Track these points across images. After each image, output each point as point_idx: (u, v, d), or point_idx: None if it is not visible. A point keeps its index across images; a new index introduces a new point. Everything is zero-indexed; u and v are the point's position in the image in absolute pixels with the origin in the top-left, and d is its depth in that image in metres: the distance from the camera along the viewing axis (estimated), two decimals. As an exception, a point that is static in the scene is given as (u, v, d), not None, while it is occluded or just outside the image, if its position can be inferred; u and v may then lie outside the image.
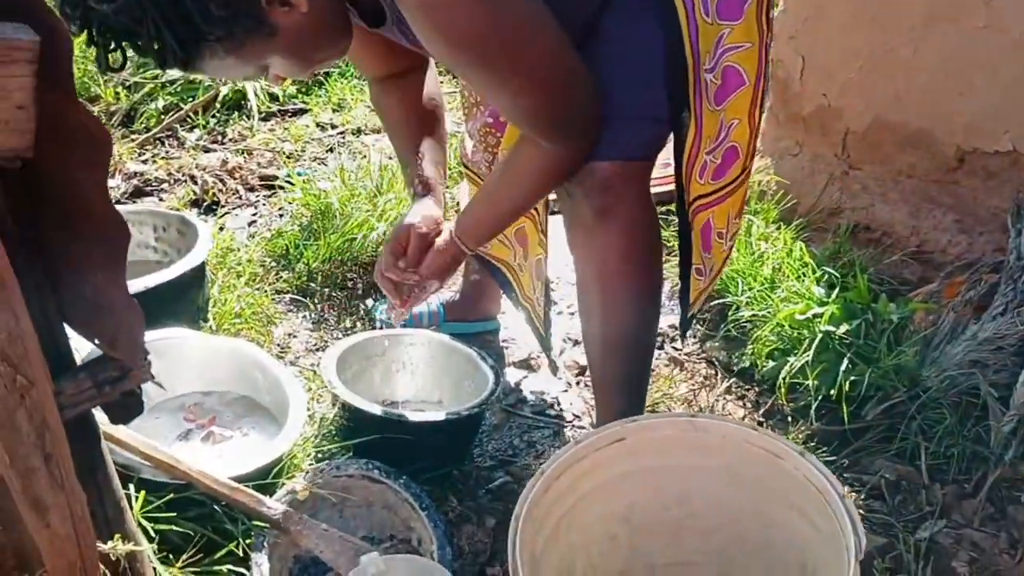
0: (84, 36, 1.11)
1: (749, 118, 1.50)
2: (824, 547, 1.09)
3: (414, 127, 1.63)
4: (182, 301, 1.86)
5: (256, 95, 3.23)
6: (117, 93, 3.21)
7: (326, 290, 2.19)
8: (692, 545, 1.27)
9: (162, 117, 3.12)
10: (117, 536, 1.11)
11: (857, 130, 2.34)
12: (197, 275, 1.89)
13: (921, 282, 2.15)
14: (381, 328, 2.06)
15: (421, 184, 1.58)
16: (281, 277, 2.20)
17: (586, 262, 1.51)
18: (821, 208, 2.40)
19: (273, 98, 3.30)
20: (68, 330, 1.00)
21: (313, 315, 2.15)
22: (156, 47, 1.12)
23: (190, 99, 3.21)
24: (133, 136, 3.07)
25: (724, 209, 1.60)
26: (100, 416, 1.07)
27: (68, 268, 0.94)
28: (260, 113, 3.19)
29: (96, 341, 0.98)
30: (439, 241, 1.52)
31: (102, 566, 1.07)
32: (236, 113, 3.20)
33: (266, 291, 2.12)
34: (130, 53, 1.15)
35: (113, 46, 1.11)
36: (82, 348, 1.05)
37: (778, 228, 2.32)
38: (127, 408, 1.04)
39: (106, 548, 1.07)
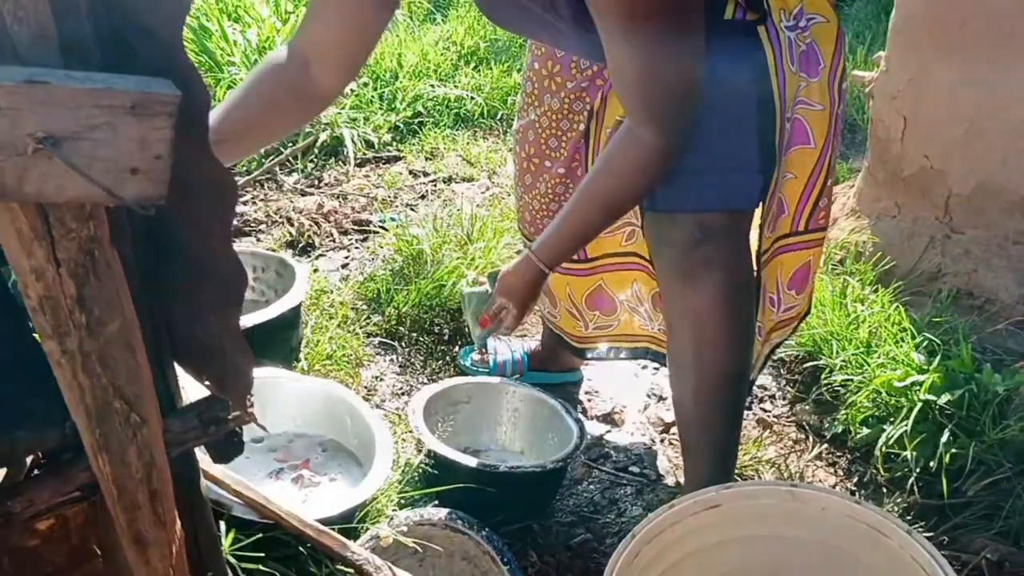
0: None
1: (808, 180, 1.52)
2: (931, 634, 1.04)
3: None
4: (278, 341, 1.91)
5: (353, 141, 3.33)
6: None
7: (414, 335, 2.22)
8: (785, 621, 1.23)
9: (263, 161, 3.24)
10: (209, 574, 1.13)
11: (961, 193, 2.28)
12: (293, 316, 1.93)
13: (1028, 353, 2.06)
14: (466, 375, 2.07)
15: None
16: (371, 320, 2.23)
17: (683, 310, 1.50)
18: (920, 272, 2.33)
19: (369, 145, 3.39)
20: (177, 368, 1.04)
21: (400, 359, 2.17)
22: None
23: (290, 144, 3.32)
24: (236, 178, 3.18)
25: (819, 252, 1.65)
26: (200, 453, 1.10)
27: (184, 309, 0.98)
28: (356, 159, 3.28)
29: (205, 382, 1.01)
30: (520, 263, 1.52)
31: (194, 603, 1.09)
32: (333, 159, 3.29)
33: (357, 333, 2.16)
34: None
35: None
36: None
37: (875, 290, 2.26)
38: (229, 447, 1.06)
39: (201, 585, 1.09)
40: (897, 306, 2.15)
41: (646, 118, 1.30)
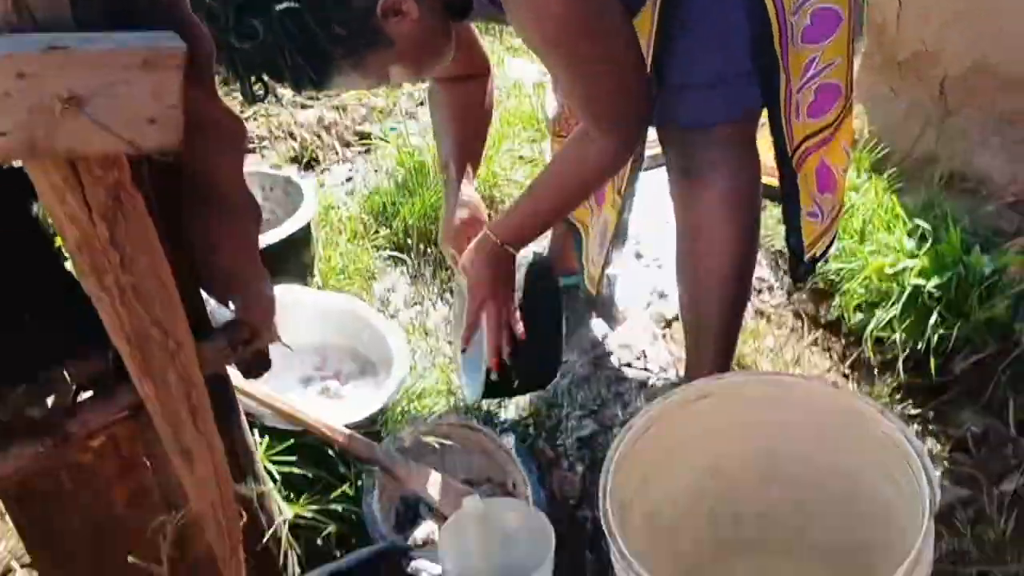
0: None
1: (848, 55, 1.53)
2: (902, 499, 1.14)
3: (460, 131, 1.69)
4: (291, 258, 1.99)
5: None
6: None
7: (422, 246, 2.29)
8: (776, 496, 1.34)
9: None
10: (249, 478, 1.24)
11: (956, 74, 2.29)
12: (305, 233, 2.01)
13: (1018, 233, 2.11)
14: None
15: (458, 170, 1.67)
16: (380, 233, 2.31)
17: (690, 210, 1.56)
18: (916, 156, 2.37)
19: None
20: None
21: (411, 270, 2.26)
22: (293, 75, 1.24)
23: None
24: (234, 93, 3.20)
25: (837, 145, 1.62)
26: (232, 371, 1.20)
27: (205, 242, 1.05)
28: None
29: (231, 306, 1.09)
30: (481, 247, 1.56)
31: (237, 504, 1.21)
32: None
33: (367, 247, 2.24)
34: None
35: (255, 79, 1.24)
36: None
37: (870, 178, 2.30)
38: (257, 365, 1.16)
39: (240, 489, 1.20)
40: (891, 194, 2.20)
41: (593, 125, 1.38)
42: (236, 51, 1.20)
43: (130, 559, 1.19)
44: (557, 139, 1.95)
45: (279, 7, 1.18)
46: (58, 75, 0.75)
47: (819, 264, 1.84)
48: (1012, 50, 2.14)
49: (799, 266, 1.79)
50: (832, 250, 1.87)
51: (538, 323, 1.61)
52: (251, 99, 1.28)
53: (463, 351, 1.64)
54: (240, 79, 1.25)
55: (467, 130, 1.70)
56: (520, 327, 1.59)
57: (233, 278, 1.05)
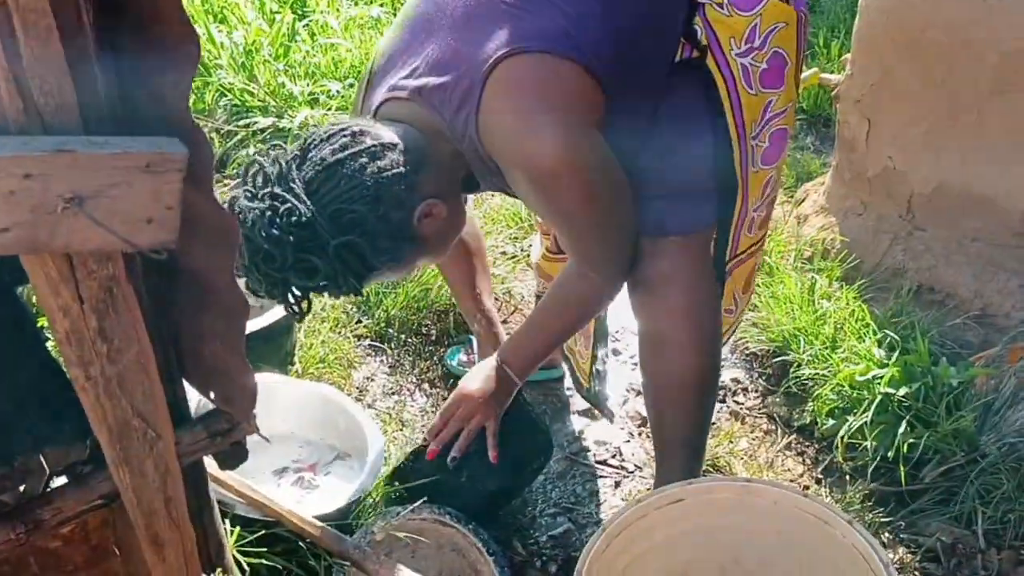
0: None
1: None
2: (869, 613, 1.15)
3: (466, 267, 1.86)
4: (273, 346, 2.01)
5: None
6: (212, 139, 3.43)
7: (402, 336, 2.32)
8: (744, 602, 1.34)
9: (264, 148, 3.31)
10: (219, 570, 1.24)
11: (922, 192, 2.38)
12: (287, 322, 2.04)
13: (984, 346, 2.17)
14: (453, 375, 2.17)
15: (485, 320, 1.85)
16: (361, 323, 2.33)
17: (649, 319, 1.60)
18: (885, 268, 2.44)
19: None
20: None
21: (390, 359, 2.28)
22: (339, 289, 1.34)
23: (280, 148, 3.40)
24: (226, 180, 3.27)
25: (760, 254, 1.78)
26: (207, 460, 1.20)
27: (191, 335, 1.08)
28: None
29: (212, 397, 1.11)
30: (485, 367, 1.68)
31: (205, 597, 1.20)
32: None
33: (347, 336, 2.26)
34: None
35: (303, 299, 1.35)
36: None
37: (841, 287, 2.37)
38: (234, 456, 1.17)
39: (210, 581, 1.20)
40: (862, 303, 2.26)
41: (591, 270, 1.52)
42: (292, 284, 1.32)
43: (92, 652, 1.17)
44: (539, 225, 2.05)
45: (335, 243, 1.28)
46: (63, 176, 0.79)
47: None
48: (975, 173, 2.24)
49: None
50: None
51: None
52: (301, 318, 1.39)
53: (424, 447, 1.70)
54: (289, 304, 1.35)
55: (464, 268, 1.87)
56: (495, 451, 1.66)
57: (217, 370, 1.07)
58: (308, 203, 1.27)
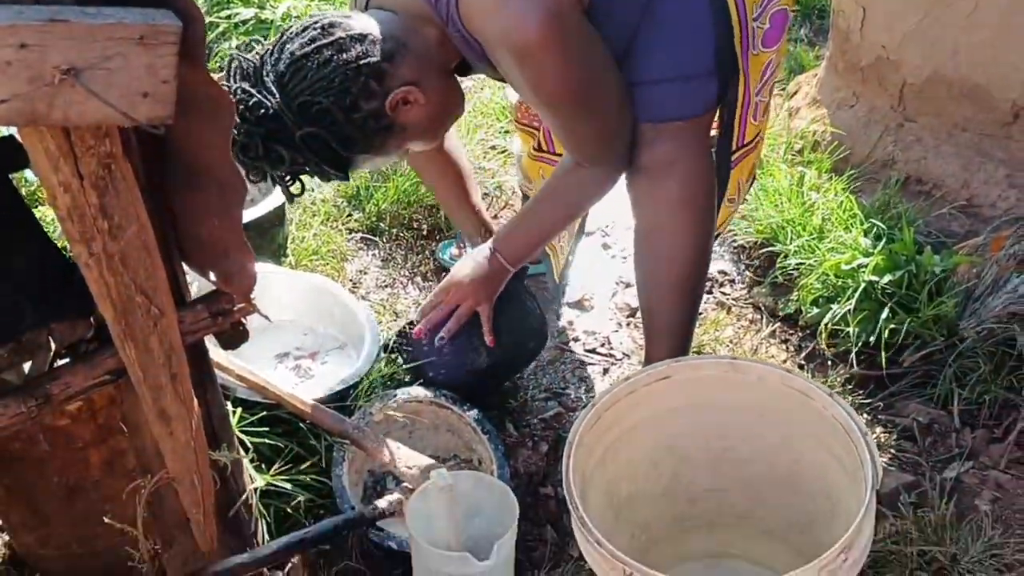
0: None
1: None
2: (846, 478, 1.21)
3: (451, 176, 1.86)
4: (266, 238, 2.02)
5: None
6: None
7: (394, 230, 2.34)
8: (728, 473, 1.40)
9: (242, 46, 3.25)
10: (224, 445, 1.28)
11: (914, 82, 2.37)
12: (278, 214, 2.04)
13: (968, 235, 2.20)
14: (445, 268, 2.20)
15: (485, 230, 1.86)
16: (352, 217, 2.34)
17: (647, 208, 1.61)
18: (874, 159, 2.45)
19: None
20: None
21: (383, 253, 2.30)
22: (322, 177, 1.41)
23: (264, 37, 3.33)
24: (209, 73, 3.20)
25: (763, 144, 1.80)
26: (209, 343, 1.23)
27: (188, 214, 1.09)
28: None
29: (211, 278, 1.13)
30: (478, 254, 1.69)
31: (211, 470, 1.25)
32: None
33: (340, 230, 2.27)
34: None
35: (290, 181, 1.41)
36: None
37: (830, 179, 2.38)
38: (236, 336, 1.20)
39: (215, 455, 1.24)
40: (850, 194, 2.28)
41: (586, 161, 1.52)
42: (270, 170, 1.38)
43: (106, 519, 1.22)
44: (520, 128, 2.00)
45: (300, 133, 1.33)
46: (58, 47, 0.79)
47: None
48: (966, 64, 2.23)
49: None
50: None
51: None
52: (291, 199, 1.45)
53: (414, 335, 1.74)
54: (276, 183, 1.41)
55: (450, 175, 1.87)
56: (491, 336, 1.70)
57: (215, 250, 1.09)
58: (277, 96, 1.33)
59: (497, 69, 1.43)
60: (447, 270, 2.23)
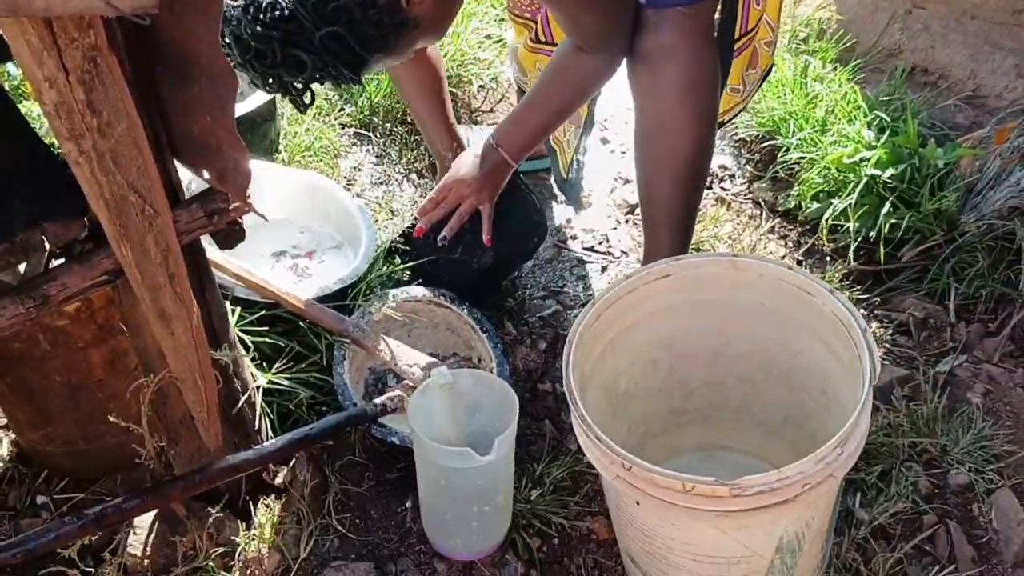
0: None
1: None
2: (843, 373, 1.22)
3: (428, 87, 1.83)
4: (256, 134, 1.98)
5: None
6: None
7: (387, 125, 2.28)
8: (725, 369, 1.42)
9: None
10: (224, 344, 1.28)
11: (925, -34, 2.29)
12: (269, 109, 1.99)
13: (973, 127, 2.17)
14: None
15: (457, 144, 1.84)
16: (345, 112, 2.29)
17: (649, 96, 1.57)
18: (880, 48, 2.39)
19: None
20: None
21: (376, 149, 2.25)
22: (338, 81, 1.34)
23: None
24: None
25: (764, 25, 1.73)
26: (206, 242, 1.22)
27: (179, 110, 1.06)
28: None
29: (205, 176, 1.11)
30: (479, 149, 1.65)
31: (213, 369, 1.25)
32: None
33: (332, 125, 2.22)
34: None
35: (303, 90, 1.34)
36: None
37: (835, 69, 2.32)
38: (232, 235, 1.18)
39: (216, 354, 1.24)
40: (854, 85, 2.23)
41: (585, 44, 1.48)
42: (288, 80, 1.31)
43: (111, 418, 1.23)
44: (514, 20, 1.93)
45: (319, 34, 1.26)
46: (34, -69, 0.74)
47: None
48: (981, -56, 2.15)
49: None
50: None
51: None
52: (304, 109, 1.39)
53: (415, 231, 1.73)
54: (290, 96, 1.35)
55: (426, 89, 1.85)
56: (489, 235, 1.69)
57: (208, 147, 1.06)
58: None
59: None
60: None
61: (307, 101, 1.37)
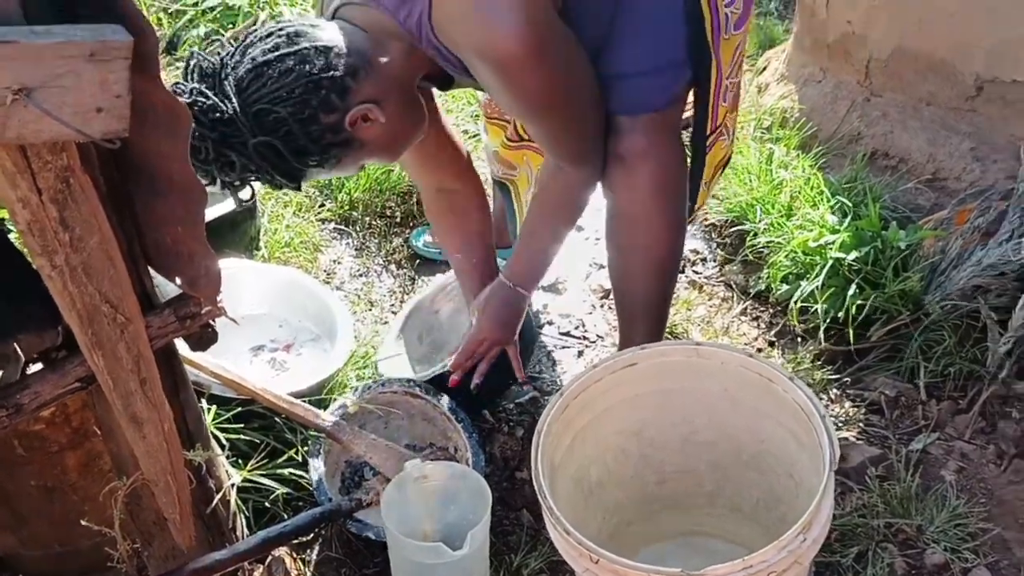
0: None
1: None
2: (806, 458, 1.24)
3: (469, 245, 1.81)
4: (237, 232, 2.03)
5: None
6: (160, 19, 3.32)
7: (367, 219, 2.34)
8: (695, 455, 1.44)
9: (203, 44, 3.23)
10: (198, 445, 1.30)
11: (880, 57, 2.39)
12: (250, 208, 2.05)
13: (934, 209, 2.23)
14: (420, 256, 2.22)
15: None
16: (324, 207, 2.35)
17: (623, 195, 1.62)
18: (841, 135, 2.47)
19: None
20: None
21: (356, 242, 2.31)
22: (273, 185, 1.38)
23: (230, 25, 3.31)
24: (177, 63, 3.19)
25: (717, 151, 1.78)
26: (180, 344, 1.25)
27: (151, 222, 1.10)
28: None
29: (177, 282, 1.14)
30: (495, 294, 1.69)
31: (186, 470, 1.27)
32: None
33: (312, 221, 2.28)
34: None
35: (239, 186, 1.39)
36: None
37: (798, 155, 2.41)
38: (204, 338, 1.21)
39: (189, 455, 1.26)
40: (817, 171, 2.31)
41: (565, 162, 1.53)
42: (221, 176, 1.36)
43: (83, 522, 1.24)
44: (490, 122, 2.01)
45: (253, 141, 1.30)
46: (8, 68, 0.80)
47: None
48: (931, 37, 2.25)
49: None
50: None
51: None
52: (239, 203, 1.47)
53: (447, 374, 1.73)
54: (226, 187, 1.39)
55: (463, 238, 1.81)
56: (522, 373, 1.74)
57: (179, 255, 1.10)
58: (234, 101, 1.30)
59: (476, 78, 1.42)
60: (421, 257, 2.26)
61: (243, 196, 1.40)
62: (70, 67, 0.82)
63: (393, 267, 2.27)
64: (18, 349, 1.05)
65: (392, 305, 2.15)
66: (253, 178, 1.37)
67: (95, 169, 1.00)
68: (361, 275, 2.22)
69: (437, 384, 1.74)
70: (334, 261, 2.24)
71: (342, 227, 2.32)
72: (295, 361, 1.81)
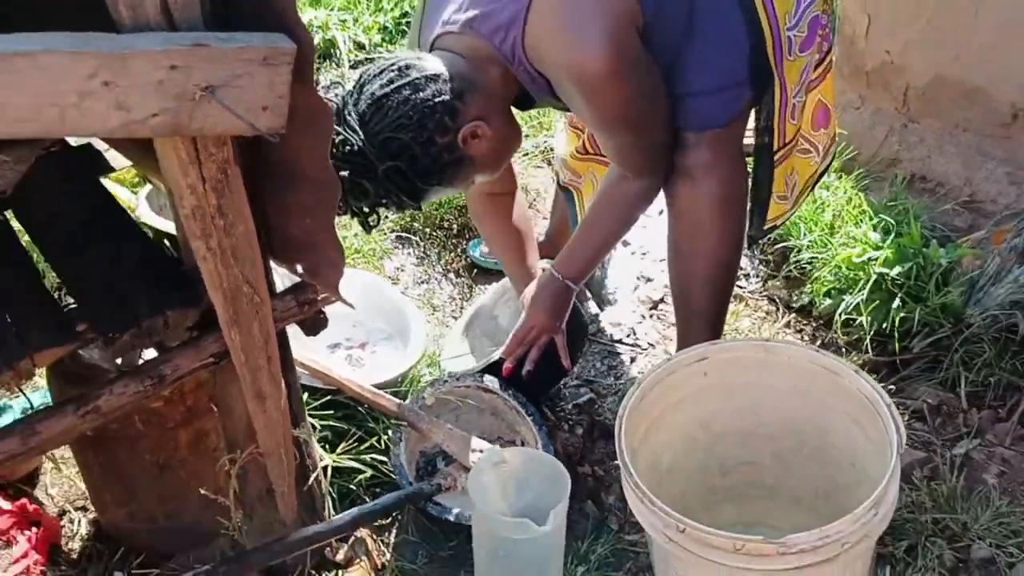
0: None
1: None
2: (870, 446, 1.34)
3: (513, 244, 1.95)
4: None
5: (344, 43, 3.45)
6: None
7: (427, 229, 2.46)
8: (759, 448, 1.53)
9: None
10: (301, 424, 1.41)
11: (917, 86, 2.50)
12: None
13: (971, 229, 2.33)
14: (477, 266, 2.33)
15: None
16: (389, 218, 2.46)
17: (687, 208, 1.73)
18: (880, 159, 2.58)
19: (359, 46, 3.51)
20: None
21: (418, 251, 2.42)
22: (398, 204, 1.52)
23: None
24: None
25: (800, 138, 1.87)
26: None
27: (283, 215, 1.21)
28: (349, 61, 3.41)
29: (298, 270, 1.26)
30: (544, 286, 1.79)
31: (293, 446, 1.37)
32: (327, 61, 3.43)
33: (378, 229, 2.39)
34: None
35: (369, 213, 1.53)
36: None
37: (839, 177, 2.51)
38: (317, 323, 1.32)
39: (296, 432, 1.37)
40: (858, 192, 2.41)
41: (631, 172, 1.64)
42: (356, 205, 1.50)
43: (201, 491, 1.34)
44: (571, 127, 2.14)
45: (382, 167, 1.44)
46: (200, 67, 0.91)
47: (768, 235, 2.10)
48: (967, 67, 2.36)
49: (756, 231, 1.99)
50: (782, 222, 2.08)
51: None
52: (368, 230, 1.57)
53: (500, 362, 1.83)
54: (355, 216, 1.53)
55: (508, 237, 1.96)
56: (569, 362, 1.83)
57: (306, 245, 1.21)
58: (360, 134, 1.44)
59: (561, 99, 1.54)
60: (478, 267, 2.37)
61: (372, 223, 1.54)
62: (247, 69, 0.94)
63: (452, 275, 2.38)
64: (166, 324, 1.16)
65: (453, 310, 2.26)
66: (382, 202, 1.49)
67: (241, 169, 1.12)
68: (423, 282, 2.33)
69: (491, 374, 1.85)
70: (398, 268, 2.35)
71: (404, 235, 2.43)
72: (370, 358, 1.92)
